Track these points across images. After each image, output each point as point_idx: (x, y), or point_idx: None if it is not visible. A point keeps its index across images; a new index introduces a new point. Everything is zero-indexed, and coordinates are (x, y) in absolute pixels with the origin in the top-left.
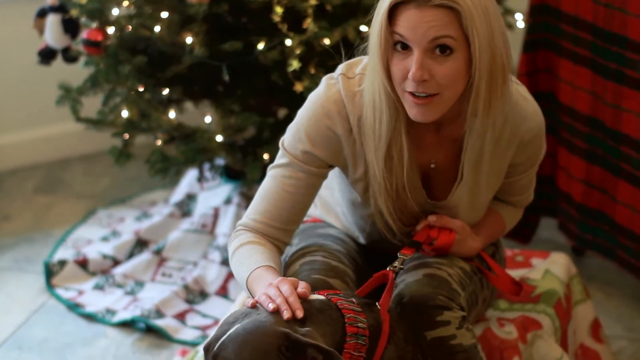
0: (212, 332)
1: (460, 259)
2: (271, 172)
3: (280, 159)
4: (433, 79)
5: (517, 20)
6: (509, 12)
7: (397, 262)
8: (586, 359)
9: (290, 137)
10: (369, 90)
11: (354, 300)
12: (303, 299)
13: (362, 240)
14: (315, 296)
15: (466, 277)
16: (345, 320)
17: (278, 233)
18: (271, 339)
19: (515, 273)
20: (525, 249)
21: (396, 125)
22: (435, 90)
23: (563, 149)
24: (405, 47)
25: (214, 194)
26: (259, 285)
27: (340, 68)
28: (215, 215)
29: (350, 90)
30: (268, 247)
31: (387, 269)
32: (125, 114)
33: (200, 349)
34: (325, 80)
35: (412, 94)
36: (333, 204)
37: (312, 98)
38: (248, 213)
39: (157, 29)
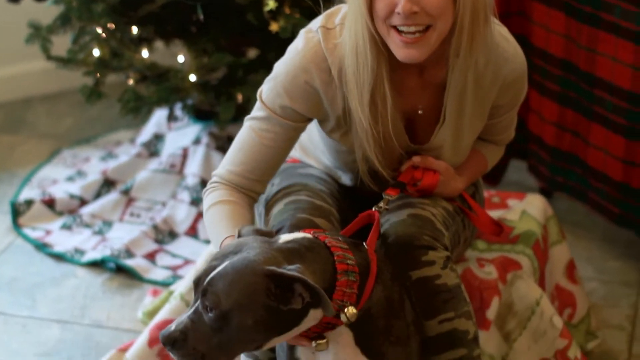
0: (182, 272)
1: (443, 199)
2: (249, 124)
3: (258, 111)
4: (422, 11)
5: None
6: None
7: (382, 203)
8: (561, 300)
9: (268, 91)
10: (351, 35)
11: (340, 238)
12: (292, 237)
13: (345, 181)
14: (302, 234)
15: (449, 217)
16: (335, 258)
17: (253, 184)
18: (259, 278)
19: (493, 214)
20: (499, 190)
21: (378, 71)
22: (426, 22)
23: (535, 92)
24: None
25: (183, 134)
26: None
27: (319, 20)
28: (184, 155)
29: (331, 42)
30: (238, 207)
31: (373, 209)
32: (96, 52)
33: (173, 288)
34: (303, 33)
35: (399, 32)
36: (312, 149)
37: (291, 52)
38: (224, 163)
39: None
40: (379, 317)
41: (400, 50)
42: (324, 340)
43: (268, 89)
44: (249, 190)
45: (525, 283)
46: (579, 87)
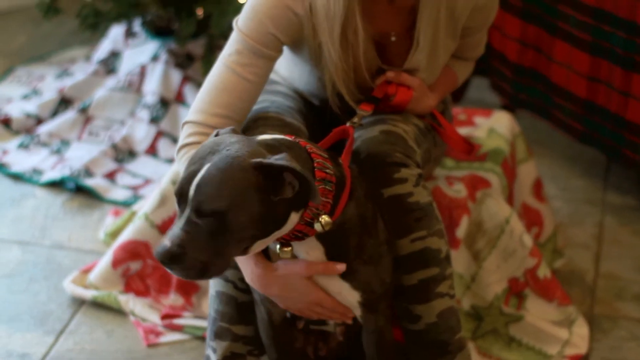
0: (143, 192)
1: (414, 116)
2: (225, 61)
3: (234, 44)
4: None
5: None
6: None
7: (356, 118)
8: (528, 218)
9: (249, 21)
10: None
11: (319, 148)
12: (271, 137)
13: (314, 102)
14: (281, 136)
15: (421, 134)
16: (314, 165)
17: (234, 126)
18: (248, 173)
19: (460, 131)
20: (463, 107)
21: (350, 2)
22: None
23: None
24: None
25: (140, 52)
26: None
27: None
28: (142, 73)
29: None
30: None
31: (347, 124)
32: None
33: (135, 208)
34: None
35: None
36: (277, 68)
37: None
38: (202, 106)
39: None
40: (351, 234)
41: None
42: (289, 248)
43: (248, 19)
44: None
45: (495, 201)
46: (542, 2)
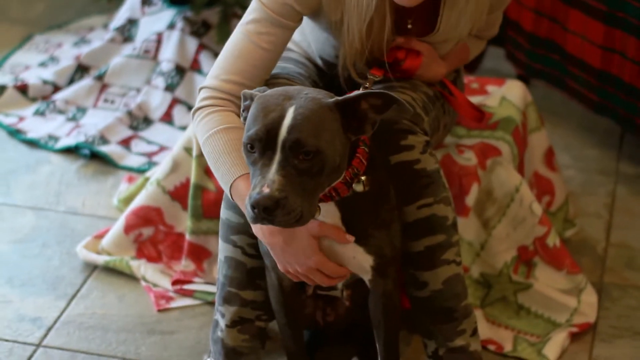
0: (157, 159)
1: (423, 84)
2: (242, 29)
3: (253, 13)
4: None
5: None
6: None
7: (367, 83)
8: (539, 187)
9: None
10: None
11: None
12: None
13: (324, 67)
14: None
15: (429, 101)
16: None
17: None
18: (334, 112)
19: (472, 99)
20: (476, 76)
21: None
22: None
23: None
24: None
25: (157, 19)
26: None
27: None
28: (158, 40)
29: None
30: (241, 132)
31: (360, 89)
32: None
33: (149, 175)
34: None
35: None
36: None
37: None
38: (218, 73)
39: None
40: (368, 199)
41: None
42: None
43: None
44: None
45: (505, 169)
46: None
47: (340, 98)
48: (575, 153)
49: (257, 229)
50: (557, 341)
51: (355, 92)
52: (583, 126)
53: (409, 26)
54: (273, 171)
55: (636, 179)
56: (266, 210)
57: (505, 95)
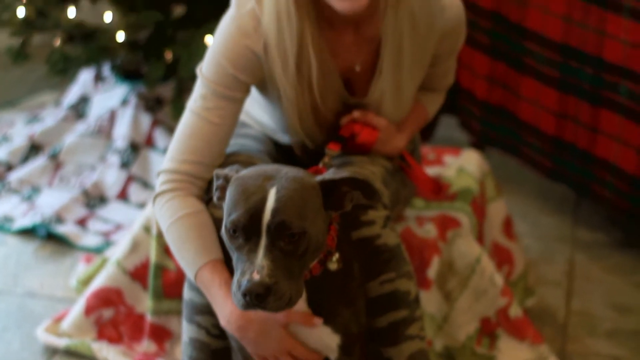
0: (115, 238)
1: (382, 157)
2: (191, 107)
3: (200, 89)
4: None
5: None
6: None
7: (326, 158)
8: (499, 256)
9: (210, 65)
10: (272, 2)
11: None
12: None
13: (285, 141)
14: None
15: (388, 175)
16: None
17: (207, 171)
18: (316, 191)
19: (429, 170)
20: (432, 146)
21: (303, 36)
22: None
23: (465, 46)
24: None
25: (110, 96)
26: (215, 294)
27: None
28: (112, 117)
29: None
30: (202, 216)
31: (320, 165)
32: (21, 12)
33: (107, 255)
34: (236, 0)
35: None
36: (249, 109)
37: (226, 21)
38: (173, 155)
39: None
40: (335, 276)
41: (340, 2)
42: None
43: (208, 63)
44: (202, 179)
45: (465, 241)
46: (510, 40)
47: (325, 178)
48: (532, 220)
49: (227, 324)
50: None
51: (339, 174)
52: (539, 193)
53: (357, 68)
54: (260, 256)
55: (593, 245)
56: (258, 297)
57: (463, 165)
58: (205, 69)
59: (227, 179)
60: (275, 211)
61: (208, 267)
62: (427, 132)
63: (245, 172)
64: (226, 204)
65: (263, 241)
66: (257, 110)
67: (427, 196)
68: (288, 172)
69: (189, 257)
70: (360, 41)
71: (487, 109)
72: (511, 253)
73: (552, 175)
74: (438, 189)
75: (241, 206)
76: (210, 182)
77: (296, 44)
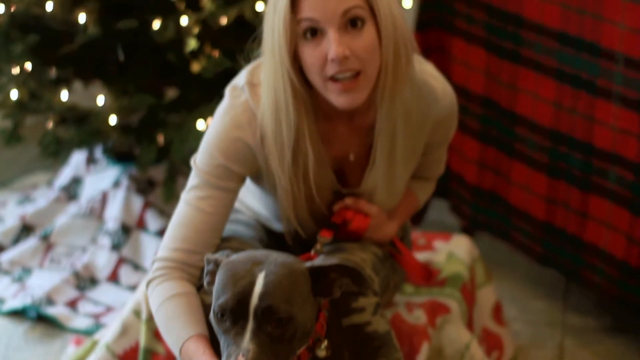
0: (105, 320)
1: (373, 244)
2: (185, 197)
3: (193, 179)
4: (353, 55)
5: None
6: None
7: (318, 245)
8: (489, 343)
9: (203, 155)
10: (269, 91)
11: None
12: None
13: (277, 228)
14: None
15: (379, 262)
16: None
17: (199, 260)
18: (305, 276)
19: (419, 256)
20: (422, 230)
21: (300, 127)
22: (358, 67)
23: (456, 131)
24: (315, 33)
25: (102, 177)
26: None
27: (244, 76)
28: (104, 199)
29: (259, 98)
30: (192, 298)
31: (312, 252)
32: (14, 94)
33: (97, 337)
34: (229, 91)
35: (335, 81)
36: (242, 196)
37: (220, 112)
38: (167, 243)
39: (49, 6)
40: None
41: (339, 98)
42: None
43: (202, 153)
44: (195, 267)
45: (455, 327)
46: (500, 125)
47: (314, 265)
48: (522, 305)
49: None
50: None
51: (329, 261)
52: (529, 278)
53: (351, 158)
54: (247, 340)
55: (583, 330)
56: None
57: (452, 251)
58: (199, 159)
59: (217, 264)
60: (263, 295)
61: (193, 339)
62: (418, 216)
63: (235, 256)
64: (215, 288)
65: (250, 325)
66: (250, 199)
67: (417, 282)
68: (277, 257)
69: (175, 334)
70: (353, 131)
71: (478, 193)
72: (501, 338)
73: (542, 260)
74: (428, 276)
75: (229, 290)
76: (202, 270)
77: (293, 136)
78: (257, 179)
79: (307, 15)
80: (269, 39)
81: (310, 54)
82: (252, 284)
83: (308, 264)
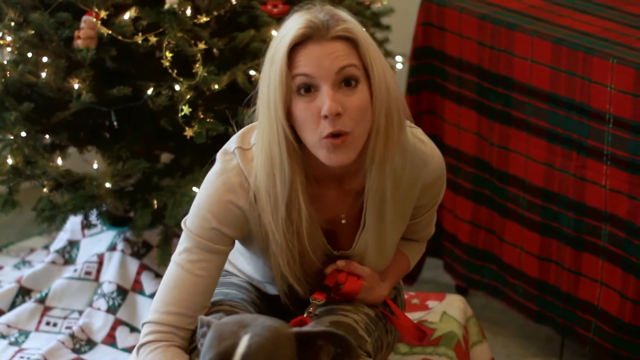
0: None
1: (365, 305)
2: (176, 260)
3: (183, 242)
4: (346, 113)
5: (397, 62)
6: (389, 55)
7: (311, 308)
8: None
9: (194, 218)
10: (264, 146)
11: None
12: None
13: (271, 291)
14: None
15: (372, 322)
16: None
17: (190, 322)
18: (291, 342)
19: (413, 316)
20: (416, 290)
21: (294, 183)
22: (348, 128)
23: (448, 190)
24: (309, 89)
25: (97, 241)
26: None
27: (235, 141)
28: (100, 262)
29: (249, 163)
30: None
31: (305, 314)
32: (9, 160)
33: None
34: (220, 156)
35: (328, 137)
36: (231, 258)
37: (211, 176)
38: (157, 306)
39: (43, 74)
40: None
41: (330, 156)
42: None
43: (193, 216)
44: (186, 329)
45: None
46: (493, 185)
47: (301, 330)
48: None
49: None
50: None
51: (317, 328)
52: (523, 335)
53: (343, 221)
54: None
55: None
56: None
57: (446, 310)
58: (189, 222)
59: (209, 326)
60: (245, 357)
61: None
62: (412, 275)
63: (225, 319)
64: (202, 349)
65: None
66: (241, 262)
67: (410, 341)
68: (264, 321)
69: None
70: (343, 195)
71: (471, 252)
72: None
73: (537, 318)
74: (422, 336)
75: (213, 350)
76: (194, 331)
77: (287, 191)
78: (248, 241)
79: (302, 71)
80: (264, 93)
81: (303, 110)
82: (235, 346)
83: (295, 329)
